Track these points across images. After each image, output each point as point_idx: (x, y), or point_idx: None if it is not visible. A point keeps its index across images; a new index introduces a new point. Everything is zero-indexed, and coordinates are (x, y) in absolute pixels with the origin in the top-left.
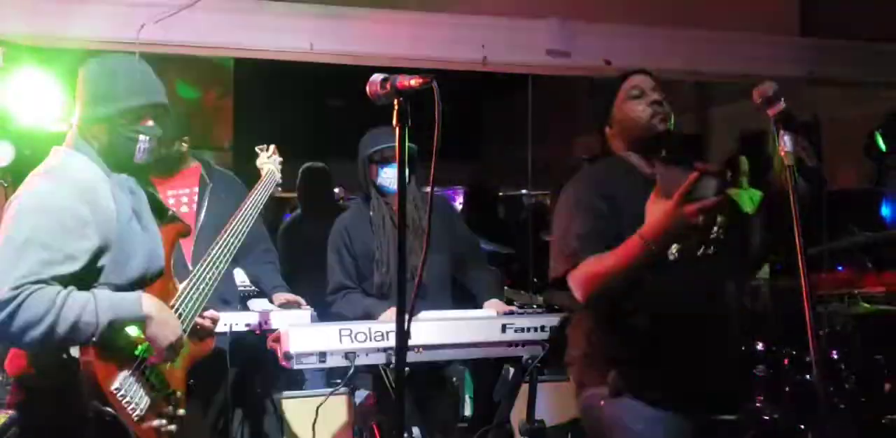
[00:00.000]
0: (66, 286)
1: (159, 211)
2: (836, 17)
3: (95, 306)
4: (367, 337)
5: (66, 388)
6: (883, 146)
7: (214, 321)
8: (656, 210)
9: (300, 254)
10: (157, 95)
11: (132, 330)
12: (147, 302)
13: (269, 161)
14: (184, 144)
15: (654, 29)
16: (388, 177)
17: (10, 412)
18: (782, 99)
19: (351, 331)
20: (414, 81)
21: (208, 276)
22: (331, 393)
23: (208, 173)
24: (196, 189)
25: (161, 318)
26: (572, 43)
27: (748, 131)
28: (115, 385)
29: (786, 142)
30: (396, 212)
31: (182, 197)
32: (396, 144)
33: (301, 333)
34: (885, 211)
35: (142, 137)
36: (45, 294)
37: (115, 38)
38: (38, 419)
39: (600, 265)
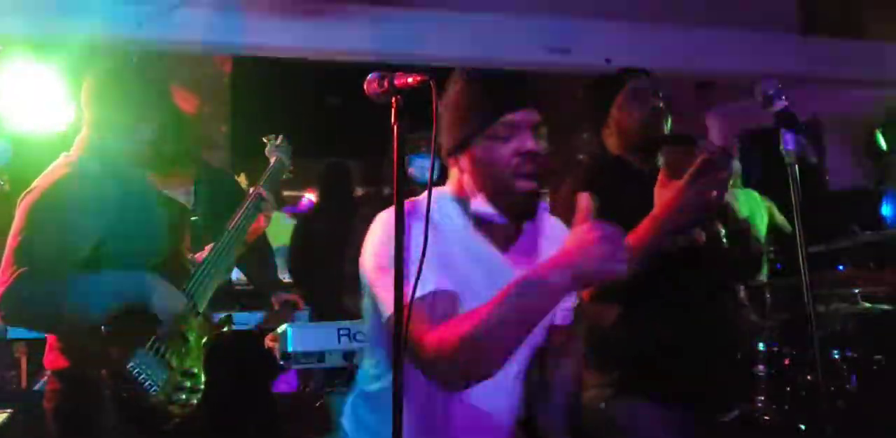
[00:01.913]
0: (72, 269)
1: (166, 201)
2: (836, 15)
3: (100, 285)
4: (366, 336)
5: (96, 376)
6: (883, 145)
7: None
8: (666, 191)
9: (315, 249)
10: (166, 104)
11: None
12: (150, 279)
13: (277, 150)
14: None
15: (654, 27)
16: (419, 166)
17: (10, 410)
18: (783, 97)
19: (349, 331)
20: (412, 79)
21: (219, 260)
22: (329, 392)
23: (204, 172)
24: (191, 188)
25: (164, 293)
26: (572, 41)
27: (744, 130)
28: (131, 363)
29: (787, 141)
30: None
31: (179, 196)
32: (395, 143)
33: (299, 332)
34: (886, 210)
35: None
36: (52, 276)
37: (113, 36)
38: (73, 404)
39: None
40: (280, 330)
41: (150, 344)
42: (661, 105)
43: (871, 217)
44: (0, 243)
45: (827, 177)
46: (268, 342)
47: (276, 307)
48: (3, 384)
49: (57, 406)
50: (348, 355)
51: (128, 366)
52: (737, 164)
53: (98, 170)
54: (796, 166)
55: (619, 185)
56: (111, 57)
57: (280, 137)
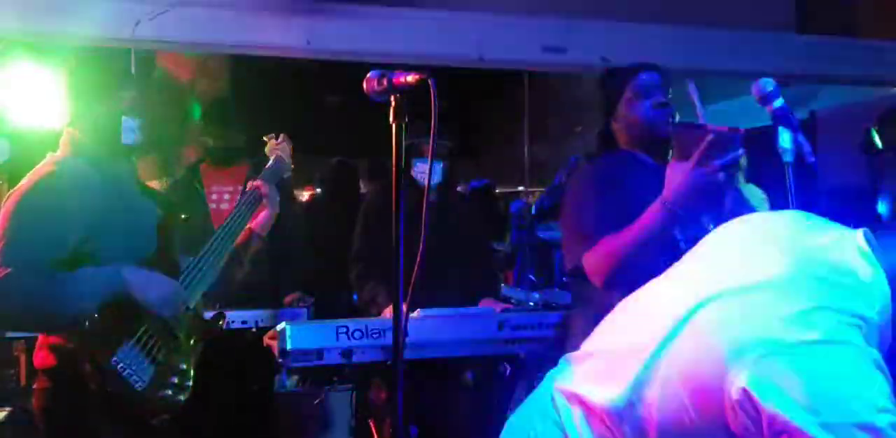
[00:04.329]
0: (56, 268)
1: (153, 198)
2: (833, 14)
3: (81, 282)
4: (363, 334)
5: (82, 373)
6: (879, 143)
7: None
8: (676, 173)
9: (320, 247)
10: (131, 82)
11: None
12: (126, 271)
13: (277, 149)
14: (242, 137)
15: (650, 26)
16: (422, 171)
17: (9, 409)
18: (780, 96)
19: (348, 329)
20: (410, 78)
21: (211, 258)
22: (328, 390)
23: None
24: (240, 188)
25: (145, 279)
26: (569, 40)
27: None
28: (115, 358)
29: (784, 139)
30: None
31: (224, 194)
32: (394, 140)
33: (298, 330)
34: (882, 208)
35: (124, 118)
36: (36, 276)
37: (110, 35)
38: (61, 403)
39: (619, 240)
40: (279, 327)
41: (136, 338)
42: (666, 99)
43: (867, 215)
44: None
45: (823, 175)
46: (267, 340)
47: (286, 304)
48: (2, 382)
49: (45, 405)
50: (346, 353)
51: (111, 361)
52: (742, 159)
53: (82, 167)
54: (792, 164)
55: (630, 174)
56: (92, 54)
57: (281, 136)
